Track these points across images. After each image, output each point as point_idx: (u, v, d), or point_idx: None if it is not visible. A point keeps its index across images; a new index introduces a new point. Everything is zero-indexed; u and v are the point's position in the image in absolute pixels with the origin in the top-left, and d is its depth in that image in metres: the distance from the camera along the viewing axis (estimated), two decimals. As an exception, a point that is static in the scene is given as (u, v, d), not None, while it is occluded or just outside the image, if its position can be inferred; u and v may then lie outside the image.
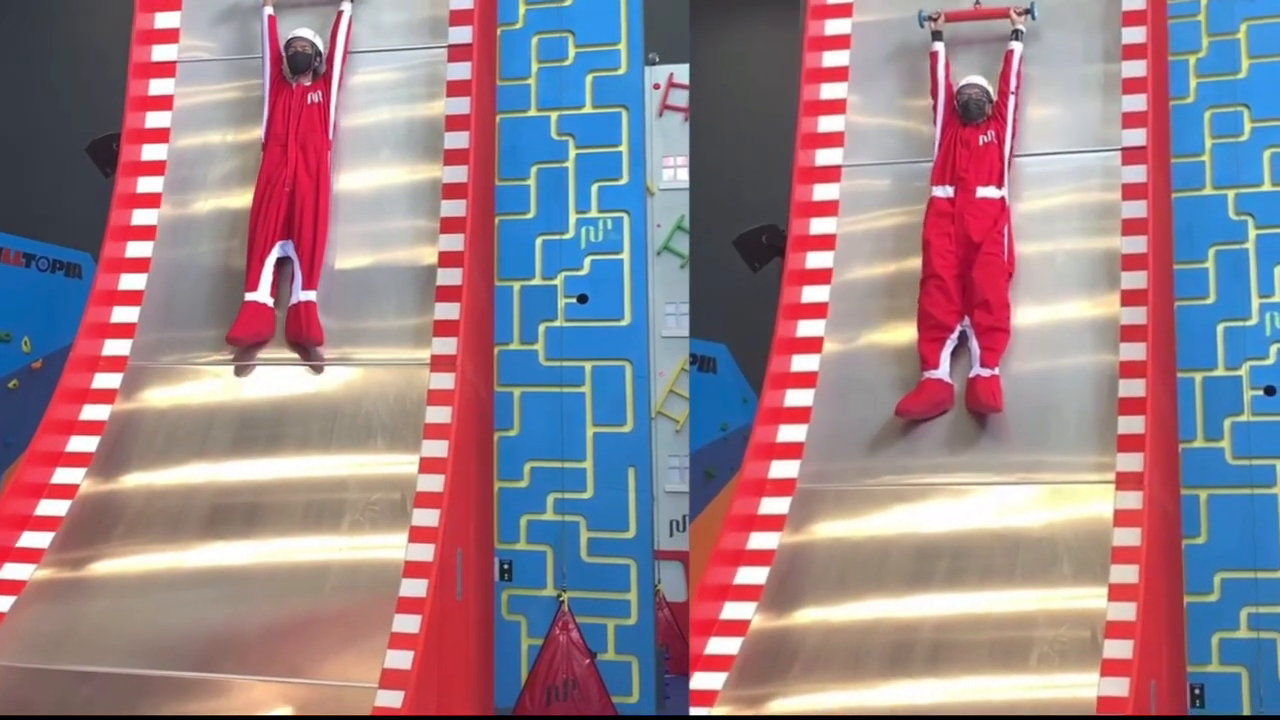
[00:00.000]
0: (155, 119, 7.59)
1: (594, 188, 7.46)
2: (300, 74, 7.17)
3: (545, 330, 7.36)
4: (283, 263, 7.00)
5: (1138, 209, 6.72)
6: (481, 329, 7.08)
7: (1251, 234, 7.05)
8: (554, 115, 7.58)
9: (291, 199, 6.96)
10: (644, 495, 7.13)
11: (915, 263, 6.93)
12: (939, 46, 7.11)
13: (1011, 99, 6.93)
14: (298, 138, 7.03)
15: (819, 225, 7.17)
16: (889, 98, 7.31)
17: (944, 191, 6.88)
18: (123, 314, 7.24)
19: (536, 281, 7.41)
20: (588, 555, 7.15)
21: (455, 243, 6.91)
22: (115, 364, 7.12)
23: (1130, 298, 6.60)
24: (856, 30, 7.43)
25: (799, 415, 6.79)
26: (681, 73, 8.67)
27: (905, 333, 6.84)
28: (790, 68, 7.44)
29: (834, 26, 7.46)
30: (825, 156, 7.27)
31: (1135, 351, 6.50)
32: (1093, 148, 6.95)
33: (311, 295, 6.87)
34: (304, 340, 6.87)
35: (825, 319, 6.95)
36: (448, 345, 6.73)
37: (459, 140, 7.13)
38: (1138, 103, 6.89)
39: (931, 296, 6.73)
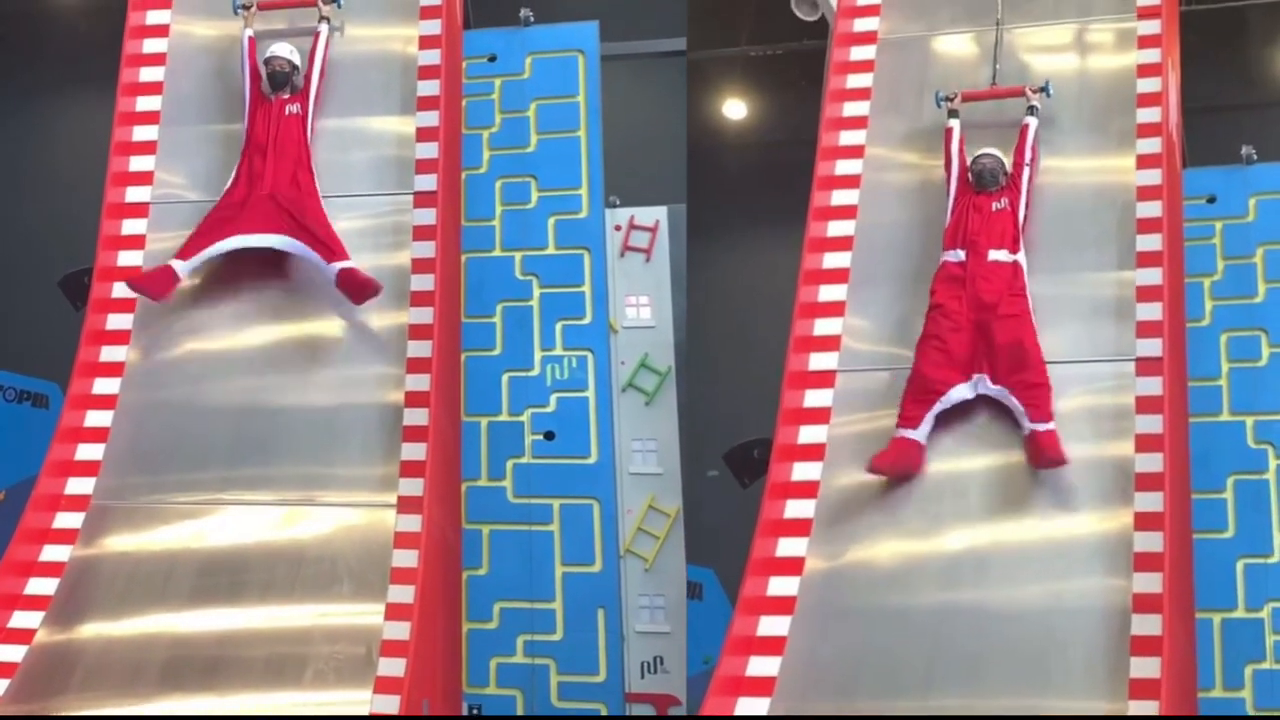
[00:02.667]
0: (127, 258, 6.96)
1: (558, 326, 7.03)
2: (279, 89, 6.91)
3: (513, 467, 6.84)
4: (251, 257, 6.53)
5: (1153, 423, 5.84)
6: (449, 469, 6.49)
7: (1272, 464, 6.46)
8: (518, 255, 7.25)
9: (273, 203, 6.58)
10: (614, 637, 6.60)
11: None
12: (954, 123, 6.54)
13: (1026, 170, 6.36)
14: (276, 145, 6.74)
15: (808, 434, 6.24)
16: (888, 302, 6.47)
17: (955, 256, 6.22)
18: (87, 451, 6.57)
19: (504, 418, 6.92)
20: (558, 700, 6.59)
21: (421, 383, 6.32)
22: (78, 503, 6.43)
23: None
24: (860, 231, 6.64)
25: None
26: (642, 214, 8.19)
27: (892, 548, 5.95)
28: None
29: (836, 228, 6.67)
30: (819, 361, 6.38)
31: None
32: (1107, 357, 6.08)
33: (348, 263, 6.45)
34: (362, 294, 6.42)
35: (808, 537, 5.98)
36: (414, 486, 6.11)
37: (425, 283, 6.57)
38: (1153, 311, 6.08)
39: (929, 356, 6.01)
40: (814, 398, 6.21)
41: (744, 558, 5.84)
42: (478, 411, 6.90)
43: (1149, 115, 6.50)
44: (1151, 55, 6.62)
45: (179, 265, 6.53)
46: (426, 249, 6.64)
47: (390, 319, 6.52)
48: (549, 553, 6.66)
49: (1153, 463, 5.75)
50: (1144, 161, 6.39)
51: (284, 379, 6.45)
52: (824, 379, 6.22)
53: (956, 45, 6.80)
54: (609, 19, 7.94)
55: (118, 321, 6.83)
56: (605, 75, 7.75)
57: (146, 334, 6.74)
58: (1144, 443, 5.81)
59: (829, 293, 6.44)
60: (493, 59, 7.82)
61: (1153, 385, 5.90)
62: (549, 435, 6.85)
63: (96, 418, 6.61)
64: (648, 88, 9.46)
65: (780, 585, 5.83)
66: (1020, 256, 6.19)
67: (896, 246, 6.50)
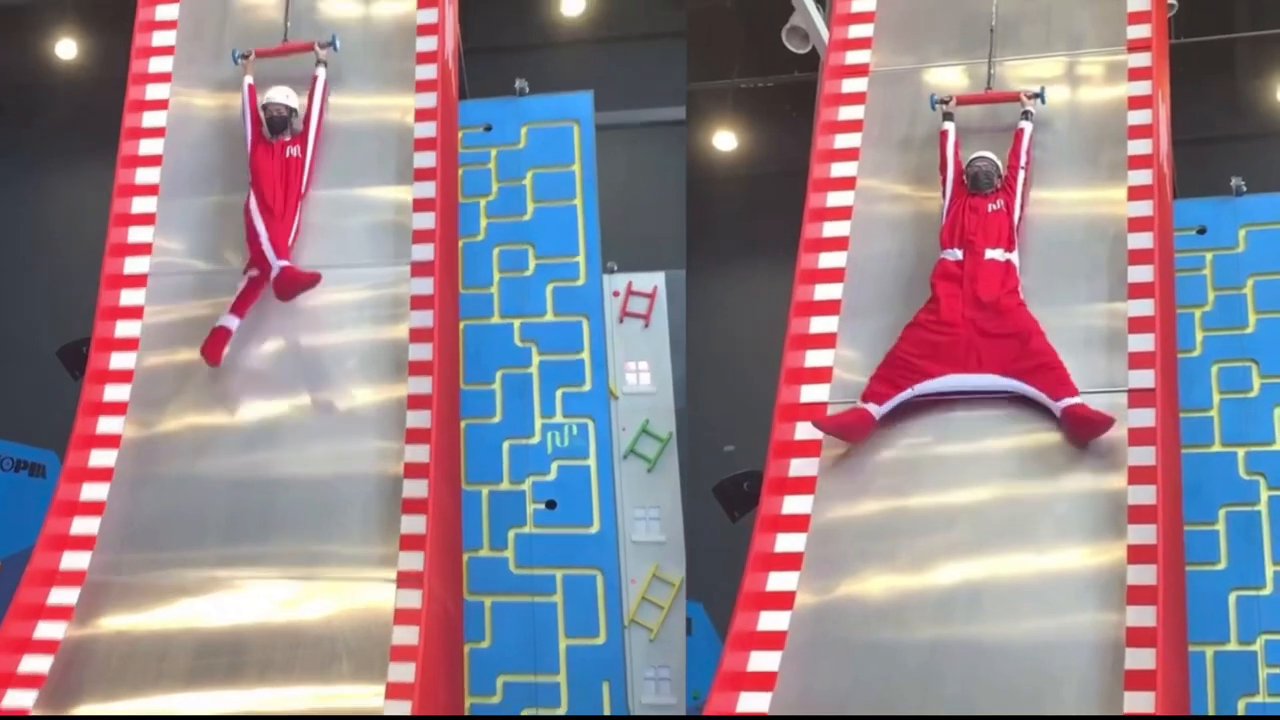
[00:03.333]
0: (125, 329, 6.77)
1: (559, 393, 6.85)
2: (278, 133, 6.88)
3: (515, 537, 6.65)
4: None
5: (1146, 455, 5.66)
6: (450, 541, 6.27)
7: (1264, 495, 6.29)
8: (517, 323, 7.11)
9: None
10: (619, 710, 6.37)
11: (905, 502, 5.85)
12: (949, 126, 6.43)
13: (1021, 173, 6.26)
14: (277, 187, 6.68)
15: (799, 466, 6.02)
16: (879, 333, 6.22)
17: (952, 255, 6.12)
18: (83, 525, 6.34)
19: (505, 486, 6.74)
20: (562, 774, 6.26)
21: (421, 454, 6.11)
22: (73, 579, 6.19)
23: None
24: (851, 262, 6.45)
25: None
26: (640, 280, 8.05)
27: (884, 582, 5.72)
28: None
29: (828, 260, 6.46)
30: (810, 393, 6.18)
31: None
32: (1099, 388, 5.87)
33: (286, 261, 6.46)
34: (303, 286, 6.39)
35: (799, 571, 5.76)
36: (414, 561, 5.88)
37: (423, 352, 6.37)
38: (1145, 342, 5.92)
39: (912, 341, 5.88)
40: (805, 430, 6.03)
41: (734, 592, 5.65)
42: (478, 480, 6.70)
43: (1140, 147, 6.39)
44: (1142, 88, 6.52)
45: (232, 322, 6.48)
46: (425, 318, 6.45)
47: (389, 391, 6.33)
48: (552, 624, 6.45)
49: (1145, 495, 5.58)
50: (1135, 193, 6.27)
51: (281, 452, 6.25)
52: (815, 411, 6.04)
53: (948, 78, 6.68)
54: (605, 89, 7.84)
55: (115, 393, 6.62)
56: (601, 142, 7.66)
57: (144, 406, 6.54)
58: (1136, 475, 5.64)
59: (820, 325, 6.28)
60: (488, 129, 7.75)
61: (1145, 417, 5.75)
62: (551, 504, 6.65)
63: (93, 491, 6.38)
64: (644, 154, 9.39)
65: (771, 620, 5.62)
66: (1014, 256, 6.10)
67: (888, 277, 6.34)
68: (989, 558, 5.64)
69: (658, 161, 9.25)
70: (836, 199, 6.54)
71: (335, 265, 6.63)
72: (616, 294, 8.30)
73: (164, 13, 7.34)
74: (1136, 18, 6.64)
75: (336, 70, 6.99)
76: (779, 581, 5.72)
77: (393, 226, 6.73)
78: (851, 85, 6.81)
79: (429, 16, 7.13)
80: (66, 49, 11.08)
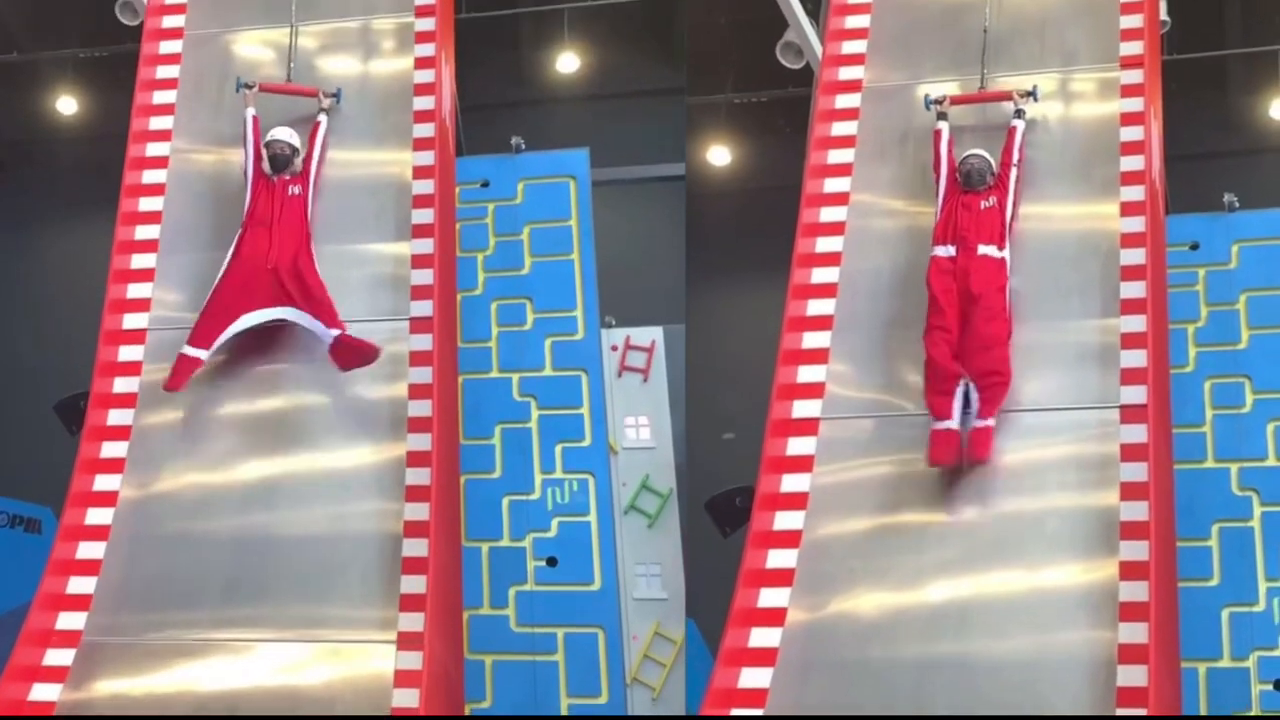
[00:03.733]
0: (123, 384, 6.66)
1: (558, 448, 6.72)
2: (280, 170, 6.83)
3: (515, 594, 6.48)
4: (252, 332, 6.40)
5: (1138, 471, 5.63)
6: (450, 601, 6.14)
7: (1256, 511, 6.21)
8: (515, 377, 7.01)
9: (276, 277, 6.50)
10: None
11: (896, 519, 5.82)
12: (943, 125, 6.43)
13: (1014, 170, 6.26)
14: (280, 223, 6.66)
15: (791, 482, 5.97)
16: (872, 347, 6.21)
17: (945, 251, 6.15)
18: (79, 585, 6.21)
19: (505, 543, 6.60)
20: (564, 837, 6.09)
21: (420, 512, 5.99)
22: (69, 639, 6.06)
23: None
24: (844, 277, 6.40)
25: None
26: (638, 334, 7.95)
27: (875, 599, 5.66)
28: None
29: (820, 275, 6.43)
30: (803, 409, 6.12)
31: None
32: (1091, 404, 5.86)
33: (339, 330, 6.36)
34: (366, 359, 6.30)
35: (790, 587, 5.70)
36: (414, 621, 5.74)
37: (422, 408, 6.26)
38: (1137, 358, 5.88)
39: (940, 348, 5.92)
40: (797, 445, 5.97)
41: (726, 608, 5.58)
42: (478, 537, 6.57)
43: (1132, 163, 6.34)
44: (1134, 104, 6.47)
45: (201, 354, 6.38)
46: (424, 374, 6.35)
47: (388, 449, 6.21)
48: (554, 683, 6.32)
49: (1138, 511, 5.52)
50: (1127, 209, 6.22)
51: (280, 512, 6.12)
52: (807, 426, 5.98)
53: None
54: (603, 145, 7.79)
55: (112, 450, 6.50)
56: (599, 197, 7.60)
57: (141, 464, 6.41)
58: (1129, 491, 5.59)
59: (813, 340, 6.21)
60: (485, 184, 7.70)
61: (1137, 433, 5.69)
62: (551, 561, 6.52)
63: (89, 549, 6.25)
64: (642, 209, 9.33)
65: (762, 636, 5.55)
66: (1006, 253, 6.10)
67: (881, 292, 6.30)
68: (980, 575, 5.60)
69: (655, 216, 9.20)
70: (830, 214, 6.50)
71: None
72: (615, 348, 8.15)
73: (165, 72, 7.30)
74: (1129, 34, 6.61)
75: (337, 125, 6.95)
76: (770, 598, 5.67)
77: (391, 281, 6.64)
78: (845, 101, 6.77)
79: (426, 76, 7.09)
80: (67, 105, 11.04)
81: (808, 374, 6.13)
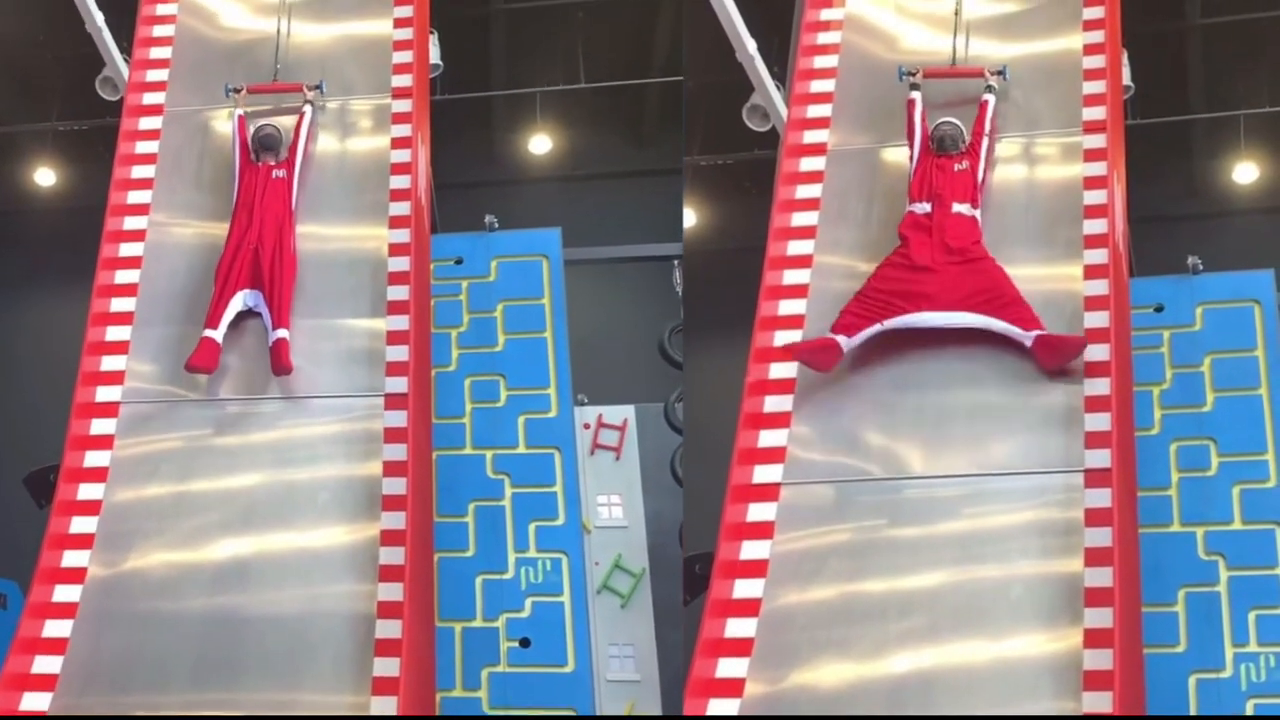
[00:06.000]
0: (94, 458, 6.31)
1: (531, 527, 6.45)
2: (266, 153, 6.83)
3: (488, 675, 6.16)
4: (242, 314, 6.40)
5: (1102, 536, 5.37)
6: (423, 682, 5.83)
7: (1223, 576, 5.98)
8: (489, 454, 6.78)
9: (256, 256, 6.52)
10: None
11: (861, 587, 5.52)
12: (916, 95, 6.42)
13: (985, 140, 6.28)
14: (262, 206, 6.65)
15: (750, 549, 5.66)
16: (835, 408, 5.92)
17: (921, 208, 6.10)
18: (45, 664, 5.81)
19: (478, 623, 6.29)
20: None
21: (394, 592, 5.67)
22: (32, 722, 5.64)
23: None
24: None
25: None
26: (610, 413, 7.73)
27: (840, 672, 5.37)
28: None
29: (783, 337, 6.16)
30: (763, 474, 5.82)
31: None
32: (1056, 468, 5.60)
33: (284, 333, 6.37)
34: (280, 370, 6.29)
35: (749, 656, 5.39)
36: (387, 705, 5.40)
37: (397, 486, 5.97)
38: (1102, 421, 5.62)
39: (886, 278, 5.81)
40: (757, 511, 5.68)
41: (683, 677, 5.27)
42: (451, 616, 6.26)
43: (1095, 226, 6.15)
44: (1097, 168, 6.31)
45: (215, 334, 6.37)
46: (398, 451, 6.06)
47: (361, 529, 5.90)
48: (526, 768, 5.99)
49: (1102, 577, 5.26)
50: (1091, 272, 6.03)
51: (251, 592, 5.78)
52: (768, 492, 5.70)
53: (906, 156, 6.42)
54: (577, 224, 7.63)
55: (82, 525, 6.14)
56: (572, 275, 7.42)
57: (111, 541, 6.05)
58: (1093, 556, 5.32)
59: (774, 403, 5.93)
60: (459, 261, 7.51)
61: (1102, 497, 5.43)
62: (524, 642, 6.22)
63: (55, 628, 5.87)
64: (615, 287, 9.17)
65: (720, 708, 5.22)
66: (979, 213, 6.06)
67: (846, 355, 5.93)
68: (943, 645, 5.32)
69: (628, 294, 9.03)
70: (793, 276, 6.28)
71: (309, 396, 6.26)
72: (587, 426, 7.97)
73: (144, 147, 7.06)
74: (1092, 100, 6.49)
75: (313, 202, 6.74)
76: (728, 668, 5.35)
77: (367, 356, 6.38)
78: (809, 164, 6.59)
79: (402, 155, 6.89)
80: (45, 177, 10.78)
81: (769, 438, 5.86)
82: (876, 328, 5.72)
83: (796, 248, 6.36)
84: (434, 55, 7.73)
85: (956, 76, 6.55)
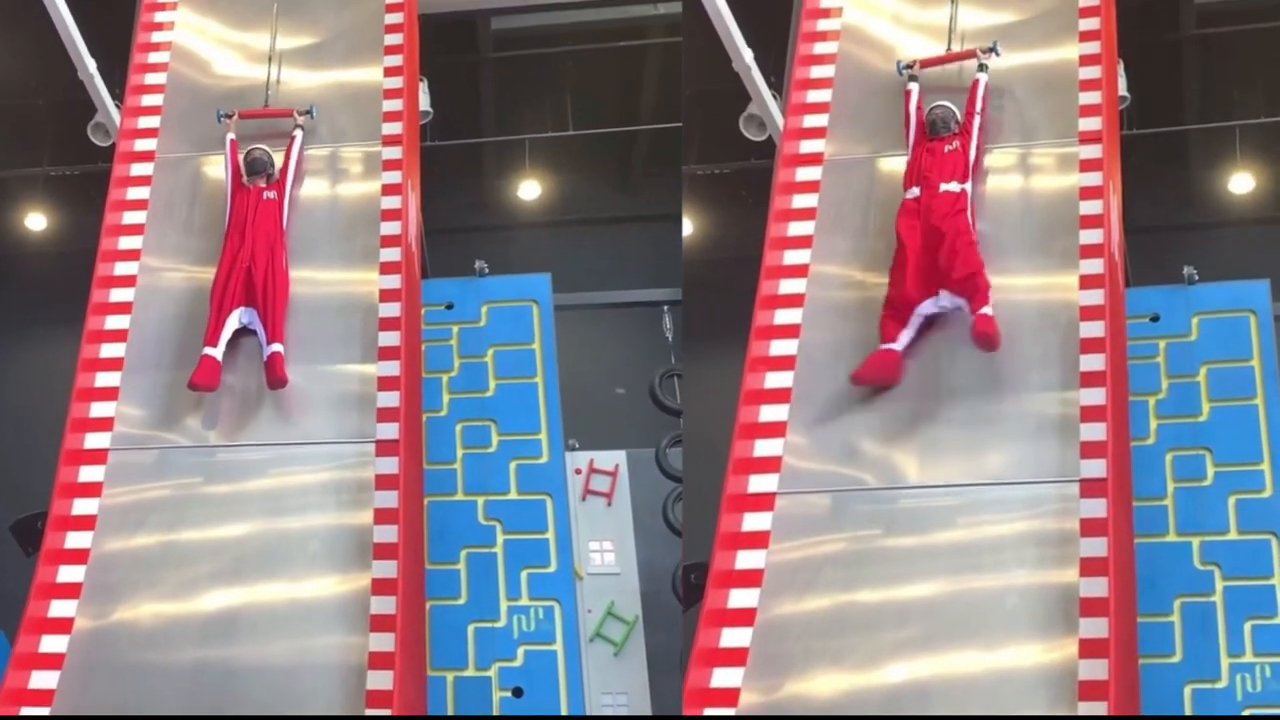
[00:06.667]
0: (83, 506, 6.22)
1: (523, 574, 6.34)
2: (256, 176, 6.90)
3: (481, 728, 5.98)
4: (236, 334, 6.46)
5: (1097, 546, 5.29)
6: (414, 735, 5.63)
7: (1219, 585, 5.87)
8: (480, 500, 6.67)
9: (249, 274, 6.59)
10: None
11: (856, 597, 5.44)
12: (914, 85, 6.54)
13: (977, 118, 6.37)
14: (254, 226, 6.72)
15: (745, 559, 5.58)
16: (830, 419, 5.86)
17: (911, 194, 6.20)
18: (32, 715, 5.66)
19: (470, 673, 6.16)
20: None
21: (386, 642, 5.58)
22: (17, 774, 5.49)
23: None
24: (803, 349, 6.09)
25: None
26: (602, 458, 7.63)
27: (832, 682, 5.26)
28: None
29: (779, 347, 6.11)
30: (759, 483, 5.74)
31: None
32: (1051, 478, 5.54)
33: (278, 347, 6.43)
34: (275, 384, 6.36)
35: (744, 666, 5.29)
36: (378, 759, 5.26)
37: (388, 534, 5.88)
38: (1097, 431, 5.56)
39: (899, 283, 5.96)
40: (753, 521, 5.60)
41: (679, 687, 5.16)
42: (443, 666, 6.13)
43: (1091, 236, 6.14)
44: (1093, 179, 6.29)
45: (215, 352, 6.43)
46: (389, 499, 5.98)
47: (353, 579, 5.80)
48: (519, 820, 5.83)
49: (1097, 587, 5.20)
50: (1087, 282, 6.00)
51: (240, 644, 5.67)
52: (763, 502, 5.63)
53: (902, 166, 6.40)
54: (568, 270, 7.56)
55: (69, 574, 6.04)
56: (563, 320, 7.34)
57: (99, 590, 5.94)
58: (1088, 566, 5.26)
59: (770, 413, 5.88)
60: (450, 306, 7.43)
61: (1097, 507, 5.37)
62: (517, 692, 6.08)
63: (42, 679, 5.76)
64: (607, 332, 9.08)
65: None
66: (968, 186, 6.10)
67: (840, 364, 5.96)
68: (938, 655, 5.26)
69: (618, 339, 8.95)
70: (789, 286, 6.24)
71: (300, 442, 6.17)
72: (579, 471, 7.86)
73: (135, 193, 7.02)
74: (1088, 111, 6.48)
75: (305, 247, 6.70)
76: (723, 678, 5.25)
77: (358, 401, 6.31)
78: (805, 173, 6.57)
79: (393, 202, 6.85)
80: (36, 222, 10.68)
81: (764, 448, 5.79)
82: (913, 324, 5.86)
83: (793, 257, 6.35)
84: (424, 102, 7.71)
85: (951, 61, 6.64)
